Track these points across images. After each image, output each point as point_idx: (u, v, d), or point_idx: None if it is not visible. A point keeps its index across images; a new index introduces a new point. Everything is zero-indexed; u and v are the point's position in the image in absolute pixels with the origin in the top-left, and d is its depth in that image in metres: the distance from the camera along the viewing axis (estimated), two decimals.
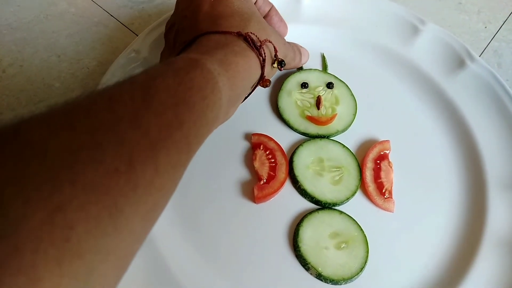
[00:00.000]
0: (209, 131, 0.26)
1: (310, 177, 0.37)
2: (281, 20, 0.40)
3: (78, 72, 0.45)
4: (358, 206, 0.36)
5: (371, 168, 0.38)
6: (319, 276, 0.33)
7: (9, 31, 0.48)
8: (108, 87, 0.21)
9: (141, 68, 0.41)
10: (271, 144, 0.38)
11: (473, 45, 0.51)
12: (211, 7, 0.32)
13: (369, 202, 0.37)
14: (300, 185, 0.36)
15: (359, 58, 0.45)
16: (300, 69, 0.44)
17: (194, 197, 0.36)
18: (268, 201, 0.36)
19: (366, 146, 0.39)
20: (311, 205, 0.36)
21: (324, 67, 0.44)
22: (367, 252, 0.34)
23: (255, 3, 0.38)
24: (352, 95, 0.42)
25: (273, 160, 0.37)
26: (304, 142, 0.39)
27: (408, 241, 0.35)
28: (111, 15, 0.51)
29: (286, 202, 0.36)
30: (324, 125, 0.40)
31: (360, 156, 0.39)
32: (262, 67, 0.31)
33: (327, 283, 0.33)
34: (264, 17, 0.38)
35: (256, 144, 0.38)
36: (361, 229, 0.35)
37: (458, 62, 0.44)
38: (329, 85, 0.42)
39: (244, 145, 0.39)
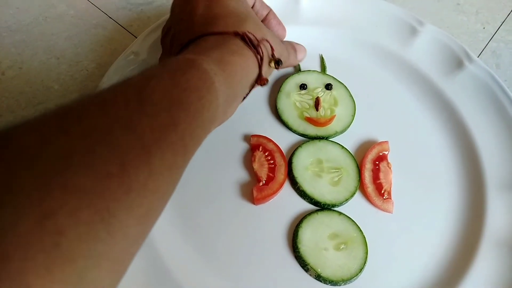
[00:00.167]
0: (206, 131, 0.26)
1: (309, 178, 0.37)
2: (279, 23, 0.41)
3: (77, 74, 0.46)
4: (357, 207, 0.36)
5: (370, 169, 0.38)
6: (319, 277, 0.33)
7: (8, 33, 0.48)
8: (102, 91, 0.21)
9: (140, 70, 0.41)
10: (270, 146, 0.38)
11: (472, 46, 0.52)
12: (207, 9, 0.32)
13: (368, 203, 0.37)
14: (299, 186, 0.36)
15: (357, 59, 0.45)
16: (298, 70, 0.44)
17: (194, 199, 0.36)
18: (267, 203, 0.36)
19: (365, 147, 0.40)
20: (310, 206, 0.36)
21: (323, 68, 0.45)
22: (366, 253, 0.34)
23: (252, 7, 0.38)
24: (351, 96, 0.42)
25: (272, 162, 0.37)
26: (303, 144, 0.39)
27: (407, 241, 0.36)
28: (110, 17, 0.51)
29: (285, 204, 0.36)
30: (323, 126, 0.40)
31: (359, 157, 0.39)
32: (260, 66, 0.31)
33: (327, 284, 0.33)
34: (262, 21, 0.38)
35: (255, 145, 0.38)
36: (360, 230, 0.35)
37: (457, 63, 0.44)
38: (328, 86, 0.42)
39: (243, 146, 0.39)
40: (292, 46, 0.40)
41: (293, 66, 0.44)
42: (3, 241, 0.14)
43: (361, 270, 0.33)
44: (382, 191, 0.37)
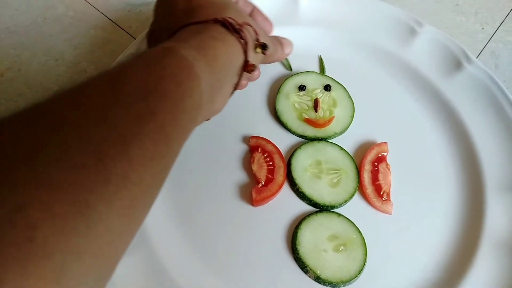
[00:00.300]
0: (193, 119, 0.25)
1: (308, 179, 0.37)
2: (265, 19, 0.40)
3: (76, 75, 0.46)
4: (356, 209, 0.36)
5: (369, 170, 0.38)
6: (318, 279, 0.33)
7: (7, 35, 0.48)
8: (76, 84, 0.20)
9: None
10: (269, 147, 0.38)
11: (471, 46, 0.52)
12: (186, 2, 0.31)
13: (367, 205, 0.37)
14: (298, 187, 0.36)
15: (356, 60, 0.45)
16: (289, 69, 0.44)
17: (192, 200, 0.36)
18: (266, 204, 0.36)
19: (364, 148, 0.40)
20: (309, 208, 0.36)
21: (322, 69, 0.45)
22: (366, 254, 0.34)
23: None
24: (350, 97, 0.42)
25: (271, 163, 0.37)
26: (302, 145, 0.39)
27: (406, 243, 0.36)
28: (109, 19, 0.51)
29: (284, 205, 0.36)
30: (322, 128, 0.40)
31: (358, 159, 0.39)
32: (245, 52, 0.30)
33: (326, 285, 0.33)
34: None
35: (254, 147, 0.38)
36: (359, 232, 0.35)
37: (456, 63, 0.44)
38: (327, 88, 0.42)
39: (242, 148, 0.39)
40: (278, 40, 0.40)
41: (281, 61, 0.44)
42: None
43: (360, 271, 0.33)
44: (381, 193, 0.37)
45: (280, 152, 0.38)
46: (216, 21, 0.29)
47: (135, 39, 0.46)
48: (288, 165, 0.38)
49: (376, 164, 0.38)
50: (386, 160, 0.39)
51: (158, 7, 0.34)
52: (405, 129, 0.42)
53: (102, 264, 0.18)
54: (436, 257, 0.35)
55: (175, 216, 0.36)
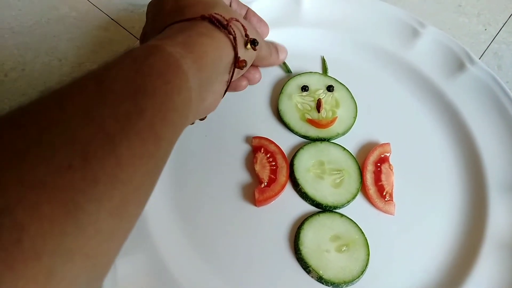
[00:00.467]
0: (182, 117, 0.24)
1: (311, 180, 0.37)
2: (261, 20, 0.40)
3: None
4: (358, 209, 0.36)
5: (371, 171, 0.38)
6: (320, 279, 0.33)
7: (11, 35, 0.48)
8: (62, 85, 0.20)
9: None
10: (271, 147, 0.38)
11: (473, 47, 0.52)
12: (174, 2, 0.31)
13: (370, 205, 0.37)
14: (301, 188, 0.37)
15: (359, 61, 0.45)
16: (288, 71, 0.44)
17: (195, 200, 0.36)
18: (269, 204, 0.36)
19: (367, 149, 0.40)
20: (312, 208, 0.36)
21: (325, 70, 0.45)
22: (368, 255, 0.34)
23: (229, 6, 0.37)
24: (353, 98, 0.42)
25: (273, 163, 0.38)
26: (304, 145, 0.39)
27: (408, 243, 0.36)
28: (112, 19, 0.51)
29: (287, 205, 0.36)
30: (324, 128, 0.40)
31: (360, 159, 0.39)
32: (234, 47, 0.30)
33: (328, 286, 0.33)
34: None
35: (257, 147, 0.39)
36: (362, 232, 0.35)
37: (458, 64, 0.44)
38: (330, 88, 0.42)
39: (245, 148, 0.39)
40: (273, 45, 0.40)
41: (276, 66, 0.44)
42: None
43: (362, 272, 0.33)
44: (384, 193, 0.37)
45: (283, 152, 0.38)
46: (203, 18, 0.29)
47: (138, 39, 0.46)
48: (291, 166, 0.38)
49: (378, 164, 0.38)
50: (388, 161, 0.39)
51: (149, 10, 0.34)
52: (407, 130, 0.42)
53: (94, 265, 0.18)
54: (439, 258, 0.35)
55: (178, 215, 0.36)
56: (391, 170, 0.38)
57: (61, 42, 0.48)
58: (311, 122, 0.40)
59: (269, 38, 0.41)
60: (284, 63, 0.44)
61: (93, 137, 0.18)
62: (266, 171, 0.37)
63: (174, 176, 0.37)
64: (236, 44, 0.30)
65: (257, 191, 0.36)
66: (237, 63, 0.31)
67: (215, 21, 0.29)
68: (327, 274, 0.33)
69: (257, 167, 0.37)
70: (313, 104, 0.41)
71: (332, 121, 0.40)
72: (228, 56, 0.30)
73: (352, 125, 0.41)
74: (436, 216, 0.37)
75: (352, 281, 0.33)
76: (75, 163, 0.17)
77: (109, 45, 0.48)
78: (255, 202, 0.36)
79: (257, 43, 0.32)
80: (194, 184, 0.37)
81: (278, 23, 0.45)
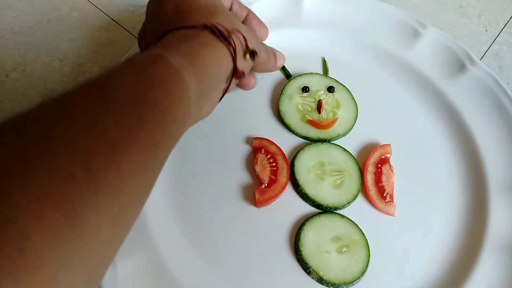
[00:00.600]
0: (181, 128, 0.25)
1: (312, 181, 0.37)
2: (260, 23, 0.40)
3: (80, 76, 0.46)
4: (359, 210, 0.36)
5: (372, 172, 0.38)
6: (321, 280, 0.33)
7: (12, 36, 0.48)
8: (64, 92, 0.20)
9: None
10: (272, 148, 0.38)
11: (474, 48, 0.52)
12: (176, 6, 0.31)
13: (370, 206, 0.37)
14: (301, 189, 0.37)
15: (360, 61, 0.45)
16: (287, 74, 0.44)
17: (195, 201, 0.36)
18: (269, 205, 0.36)
19: (367, 149, 0.40)
20: (313, 209, 0.36)
21: (325, 71, 0.45)
22: (369, 256, 0.34)
23: (230, 9, 0.37)
24: (353, 98, 0.42)
25: (274, 164, 0.38)
26: (305, 146, 0.39)
27: (409, 244, 0.36)
28: (113, 20, 0.51)
29: (288, 206, 0.36)
30: (325, 129, 0.40)
31: (361, 160, 0.39)
32: (234, 58, 0.30)
33: (329, 287, 0.33)
34: (242, 22, 0.38)
35: (258, 148, 0.39)
36: (363, 233, 0.35)
37: (459, 65, 0.44)
38: (330, 89, 0.42)
39: (245, 149, 0.39)
40: (272, 51, 0.40)
41: (273, 71, 0.43)
42: None
43: (363, 273, 0.33)
44: (384, 194, 0.37)
45: (284, 153, 0.38)
46: (205, 27, 0.29)
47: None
48: (292, 166, 0.38)
49: (379, 165, 0.38)
50: (389, 162, 0.39)
51: (148, 8, 0.34)
52: (408, 131, 0.42)
53: (91, 271, 0.18)
54: (439, 259, 0.35)
55: (178, 216, 0.36)
56: (392, 171, 0.38)
57: (62, 42, 0.48)
58: (312, 123, 0.40)
59: (270, 39, 0.41)
60: (284, 68, 0.44)
61: (96, 145, 0.18)
62: (267, 172, 0.37)
63: (174, 176, 0.37)
64: (235, 55, 0.30)
65: (257, 192, 0.36)
66: (236, 73, 0.31)
67: (217, 32, 0.29)
68: (327, 275, 0.33)
69: (258, 168, 0.37)
70: (314, 105, 0.41)
71: (333, 122, 0.40)
72: (227, 67, 0.30)
73: (353, 126, 0.41)
74: (436, 217, 0.37)
75: (352, 282, 0.33)
76: (78, 172, 0.17)
77: (110, 46, 0.48)
78: (256, 203, 0.36)
79: (256, 54, 0.33)
80: (195, 184, 0.37)
81: (279, 24, 0.45)
